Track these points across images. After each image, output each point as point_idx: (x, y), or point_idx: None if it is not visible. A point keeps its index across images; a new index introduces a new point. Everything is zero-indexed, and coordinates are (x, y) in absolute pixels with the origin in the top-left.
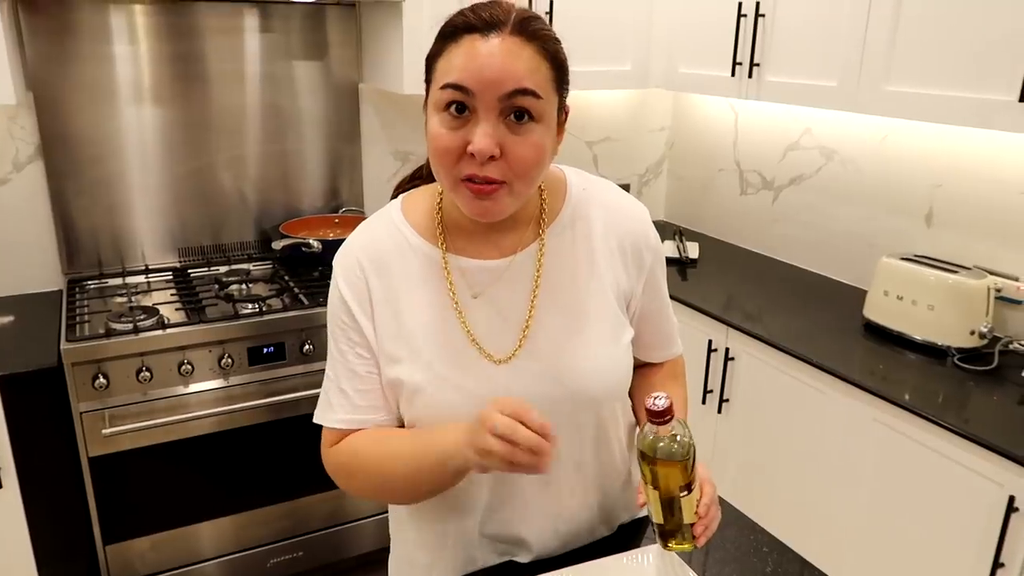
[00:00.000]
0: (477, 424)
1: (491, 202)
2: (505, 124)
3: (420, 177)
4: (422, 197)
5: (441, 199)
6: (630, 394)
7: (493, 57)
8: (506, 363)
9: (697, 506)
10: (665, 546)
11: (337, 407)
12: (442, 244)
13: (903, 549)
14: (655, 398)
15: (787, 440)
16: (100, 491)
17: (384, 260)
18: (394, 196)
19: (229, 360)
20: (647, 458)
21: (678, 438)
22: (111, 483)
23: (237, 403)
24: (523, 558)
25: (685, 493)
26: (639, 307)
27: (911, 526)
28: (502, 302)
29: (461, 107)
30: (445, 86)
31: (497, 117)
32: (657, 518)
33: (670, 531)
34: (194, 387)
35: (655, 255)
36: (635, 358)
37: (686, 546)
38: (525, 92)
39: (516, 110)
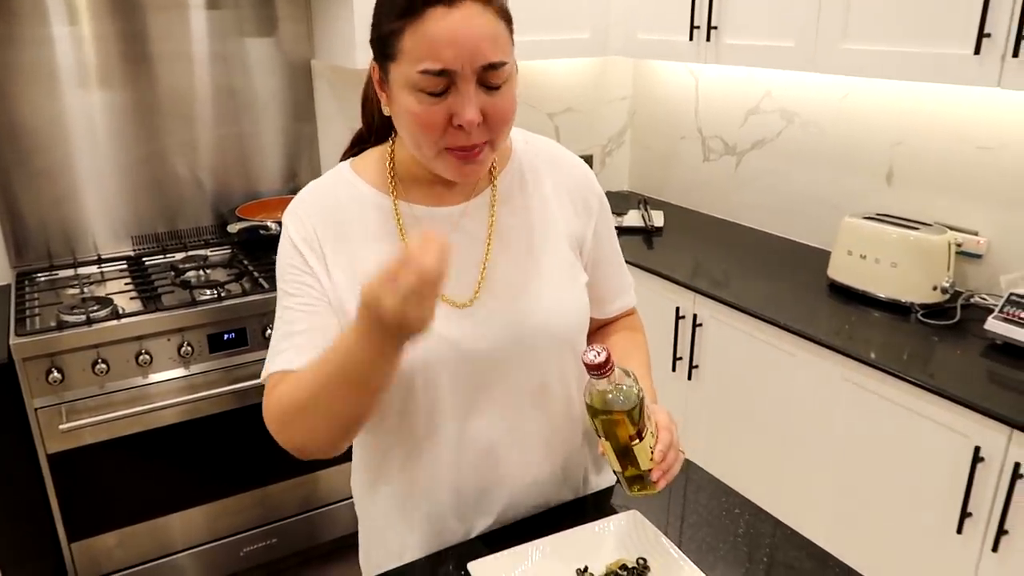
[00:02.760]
0: (371, 298)
1: (476, 164)
2: (481, 87)
3: (364, 142)
4: (371, 155)
5: (392, 153)
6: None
7: (465, 30)
8: (467, 306)
9: (652, 452)
10: (628, 491)
11: (283, 351)
12: (394, 193)
13: (874, 504)
14: (591, 351)
15: (757, 403)
16: (61, 488)
17: (335, 210)
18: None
19: (189, 348)
20: (591, 410)
21: (623, 387)
22: (72, 479)
23: (200, 392)
24: (484, 521)
25: (637, 441)
26: (591, 255)
27: (881, 481)
28: (458, 248)
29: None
30: (425, 71)
31: (475, 85)
32: (615, 467)
33: (630, 478)
34: (154, 377)
35: (600, 202)
36: (592, 317)
37: (649, 491)
38: (498, 64)
39: (491, 79)
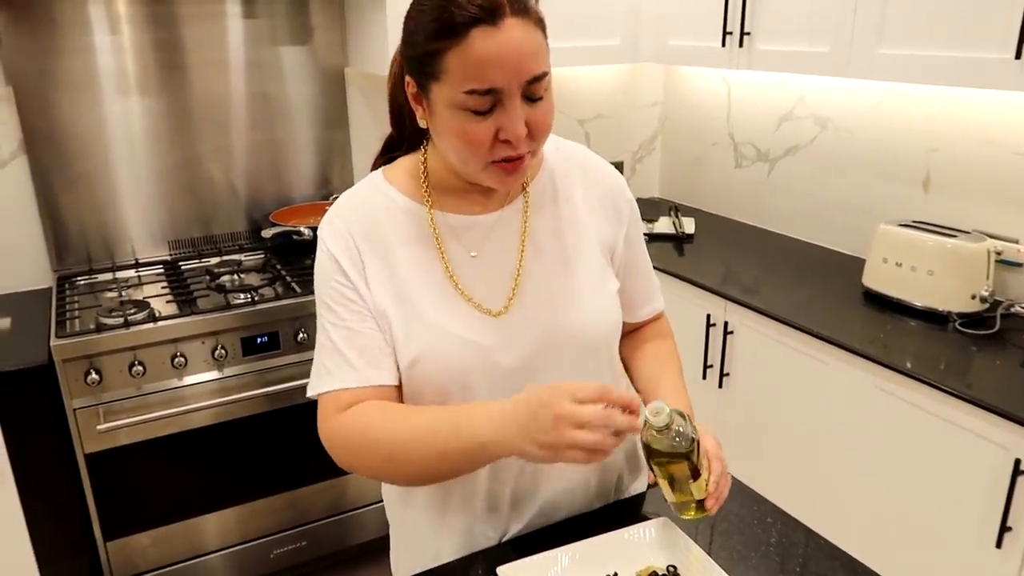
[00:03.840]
0: (537, 413)
1: (520, 173)
2: (525, 100)
3: (396, 148)
4: (403, 164)
5: (426, 161)
6: (621, 357)
7: (510, 48)
8: (502, 315)
9: (707, 485)
10: (682, 515)
11: (335, 370)
12: (428, 202)
13: (908, 516)
14: (656, 413)
15: (789, 411)
16: (98, 487)
17: (371, 220)
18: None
19: (223, 351)
20: (649, 451)
21: (680, 431)
22: (109, 479)
23: (232, 394)
24: (516, 527)
25: (692, 480)
26: (622, 260)
27: (916, 493)
28: (491, 256)
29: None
30: (472, 91)
31: (521, 99)
32: (669, 498)
33: (682, 503)
34: (188, 379)
35: (631, 208)
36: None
37: (701, 515)
38: (541, 77)
39: (535, 91)
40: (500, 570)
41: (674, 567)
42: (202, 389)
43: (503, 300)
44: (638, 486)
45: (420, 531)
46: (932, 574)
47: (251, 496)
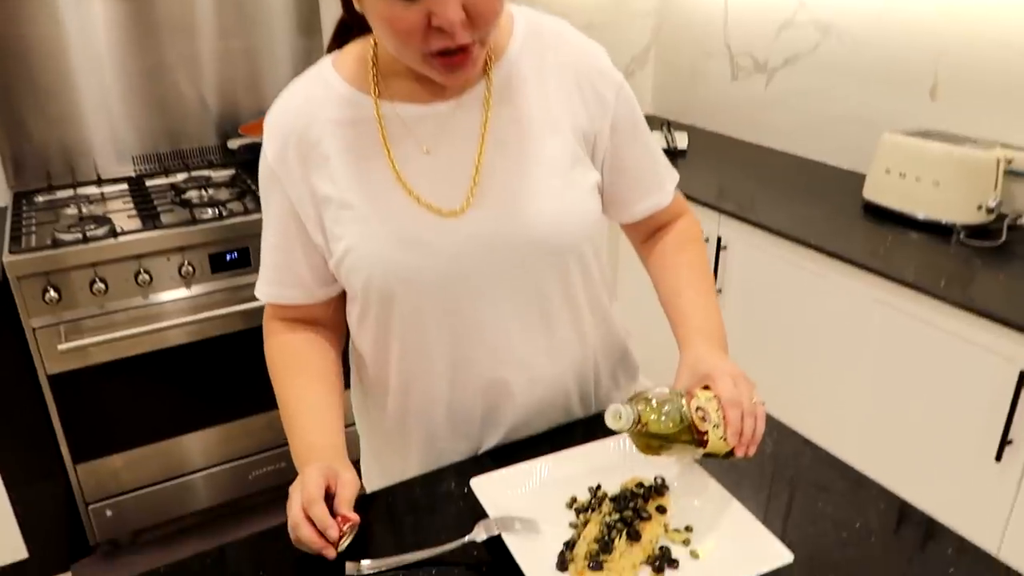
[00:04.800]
0: (309, 484)
1: (467, 67)
2: None
3: (348, 31)
4: (352, 49)
5: (376, 45)
6: (650, 272)
7: None
8: (456, 215)
9: (725, 436)
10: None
11: (263, 278)
12: (375, 91)
13: (908, 430)
14: (613, 418)
15: (786, 327)
16: (64, 409)
17: (308, 116)
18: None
19: (190, 268)
20: (641, 443)
21: (658, 416)
22: (75, 401)
23: (202, 313)
24: (492, 439)
25: (702, 448)
26: (611, 153)
27: (917, 406)
28: (447, 151)
29: None
30: None
31: None
32: (690, 457)
33: (708, 457)
34: (155, 298)
35: (618, 93)
36: (633, 223)
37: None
38: None
39: None
40: (473, 482)
41: (662, 478)
42: (170, 308)
43: (459, 200)
44: (624, 392)
45: (385, 445)
46: (931, 488)
47: (227, 417)
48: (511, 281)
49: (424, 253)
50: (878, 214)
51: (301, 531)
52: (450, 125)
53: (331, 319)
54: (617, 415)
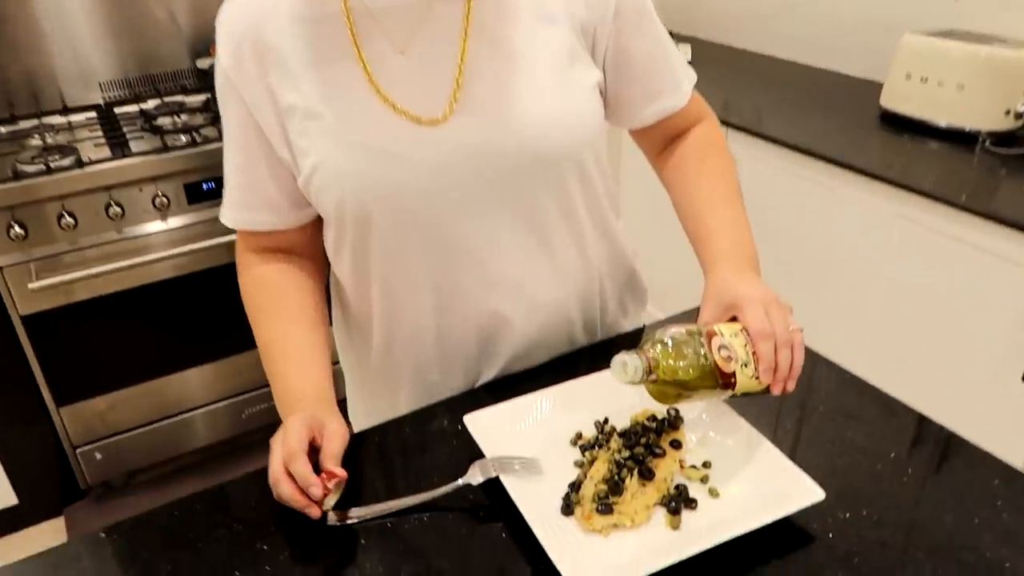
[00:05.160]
0: (291, 437)
1: None
2: None
3: None
4: None
5: None
6: (667, 186)
7: None
8: (437, 124)
9: (757, 374)
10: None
11: (227, 201)
12: None
13: (930, 349)
14: (619, 370)
15: (799, 246)
16: (41, 351)
17: (267, 14)
18: None
19: (164, 200)
20: (662, 395)
21: (676, 362)
22: (53, 341)
23: (181, 246)
24: (489, 372)
25: (730, 389)
26: (614, 46)
27: (939, 325)
28: (425, 50)
29: None
30: None
31: None
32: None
33: (743, 396)
34: (129, 232)
35: None
36: (645, 131)
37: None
38: None
39: None
40: (467, 419)
41: (676, 410)
42: (146, 242)
43: (440, 105)
44: (632, 320)
45: (373, 381)
46: (953, 408)
47: (216, 355)
48: (502, 196)
49: (402, 168)
50: (896, 123)
51: (281, 489)
52: (428, 18)
53: (309, 246)
54: (623, 366)
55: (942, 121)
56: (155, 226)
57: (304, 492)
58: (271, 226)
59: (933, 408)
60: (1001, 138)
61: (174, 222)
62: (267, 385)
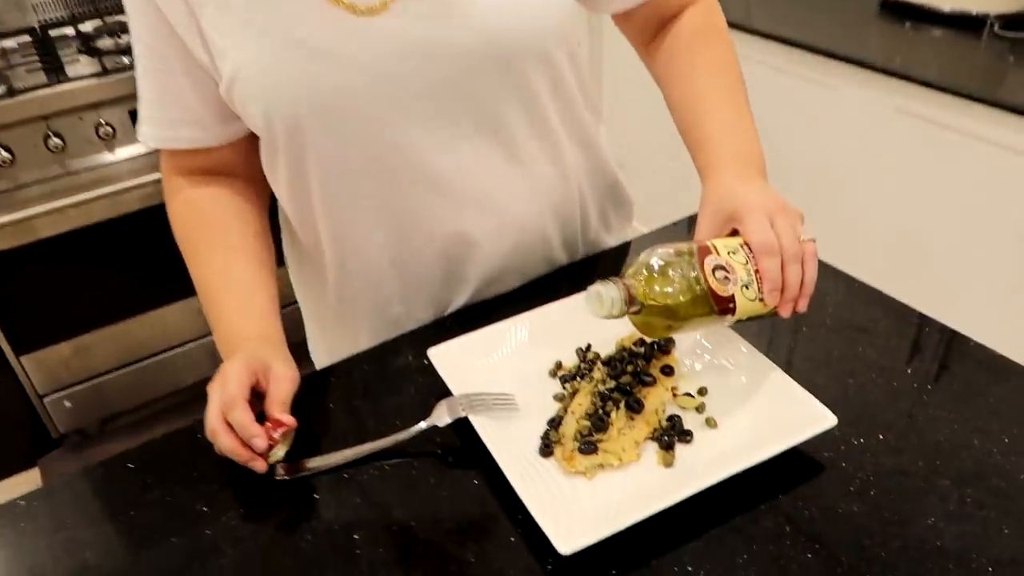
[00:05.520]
0: (229, 382)
1: None
2: None
3: None
4: None
5: None
6: (658, 82)
7: None
8: (378, 13)
9: (761, 296)
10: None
11: (143, 116)
12: None
13: (938, 251)
14: (593, 301)
15: (795, 148)
16: None
17: None
18: None
19: (109, 129)
20: (648, 327)
21: (668, 280)
22: (1, 289)
23: (132, 180)
24: (459, 300)
25: (730, 316)
26: None
27: (947, 225)
28: None
29: None
30: None
31: None
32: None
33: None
34: (73, 165)
35: None
36: (627, 16)
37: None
38: None
39: None
40: (432, 353)
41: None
42: (93, 177)
43: None
44: (617, 235)
45: (331, 318)
46: (960, 312)
47: (187, 292)
48: (457, 101)
49: (335, 67)
50: (897, 10)
51: (220, 441)
52: None
53: (246, 166)
54: (598, 299)
55: (947, 5)
56: (102, 158)
57: (247, 444)
58: (196, 143)
59: (941, 314)
60: (1011, 20)
61: (122, 153)
62: None
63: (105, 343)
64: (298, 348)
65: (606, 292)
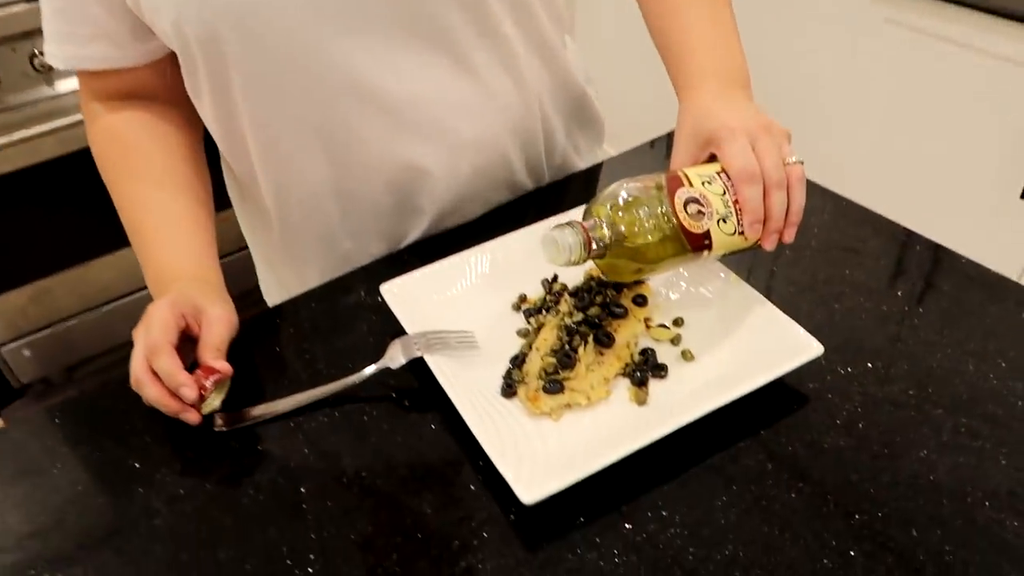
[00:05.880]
0: (154, 326)
1: None
2: None
3: None
4: None
5: None
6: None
7: None
8: None
9: (741, 229)
10: None
11: (49, 33)
12: None
13: (925, 167)
14: (549, 247)
15: (777, 63)
16: None
17: None
18: None
19: (45, 60)
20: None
21: (634, 218)
22: None
23: (76, 115)
24: (415, 232)
25: (705, 252)
26: None
27: (934, 139)
28: None
29: None
30: None
31: None
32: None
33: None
34: (9, 101)
35: None
36: None
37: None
38: None
39: None
40: (385, 288)
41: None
42: (33, 113)
43: None
44: (587, 158)
45: (278, 256)
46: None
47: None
48: (393, 8)
49: None
50: None
51: (146, 391)
52: None
53: (171, 90)
54: (554, 245)
55: None
56: (39, 92)
57: (175, 394)
58: (110, 63)
59: (925, 228)
60: None
61: (64, 86)
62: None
63: (64, 288)
64: (253, 293)
65: (563, 238)
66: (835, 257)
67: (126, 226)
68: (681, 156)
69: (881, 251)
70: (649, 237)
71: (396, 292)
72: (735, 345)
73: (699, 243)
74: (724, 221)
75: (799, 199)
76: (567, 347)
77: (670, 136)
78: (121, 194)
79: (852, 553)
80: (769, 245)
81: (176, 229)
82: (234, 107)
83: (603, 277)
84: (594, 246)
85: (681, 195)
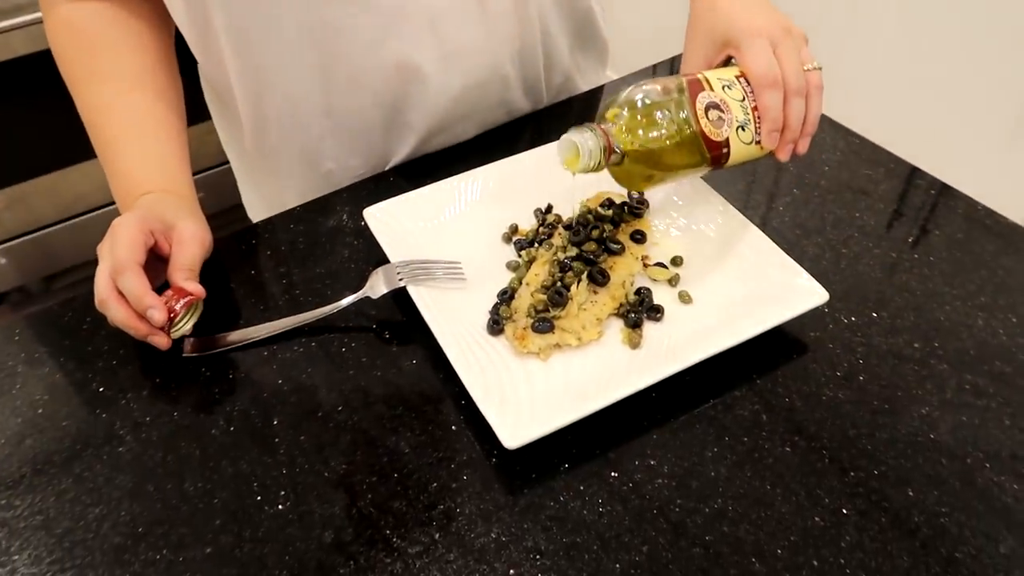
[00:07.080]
0: (120, 243)
1: None
2: None
3: None
4: None
5: None
6: None
7: None
8: None
9: (758, 138)
10: None
11: None
12: None
13: (927, 104)
14: (565, 153)
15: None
16: None
17: None
18: None
19: None
20: (623, 174)
21: (652, 122)
22: None
23: (31, 13)
24: (401, 150)
25: (722, 163)
26: None
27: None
28: None
29: None
30: None
31: None
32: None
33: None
34: None
35: None
36: None
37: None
38: None
39: None
40: (368, 212)
41: (640, 192)
42: (3, 6)
43: None
44: (589, 79)
45: (259, 171)
46: (946, 170)
47: None
48: None
49: None
50: None
51: (112, 312)
52: None
53: None
54: (572, 149)
55: None
56: None
57: (143, 316)
58: None
59: (927, 162)
60: None
61: None
62: (206, 168)
63: (40, 195)
64: (239, 210)
65: (583, 141)
66: (845, 199)
67: (90, 133)
68: (695, 59)
69: (893, 194)
70: (668, 142)
71: (380, 217)
72: (735, 288)
73: (718, 151)
74: (743, 129)
75: (816, 108)
76: (559, 284)
77: (674, 61)
78: (84, 97)
79: (845, 511)
80: (784, 155)
81: (146, 137)
82: (207, 8)
83: (604, 193)
84: (615, 151)
85: (703, 100)
